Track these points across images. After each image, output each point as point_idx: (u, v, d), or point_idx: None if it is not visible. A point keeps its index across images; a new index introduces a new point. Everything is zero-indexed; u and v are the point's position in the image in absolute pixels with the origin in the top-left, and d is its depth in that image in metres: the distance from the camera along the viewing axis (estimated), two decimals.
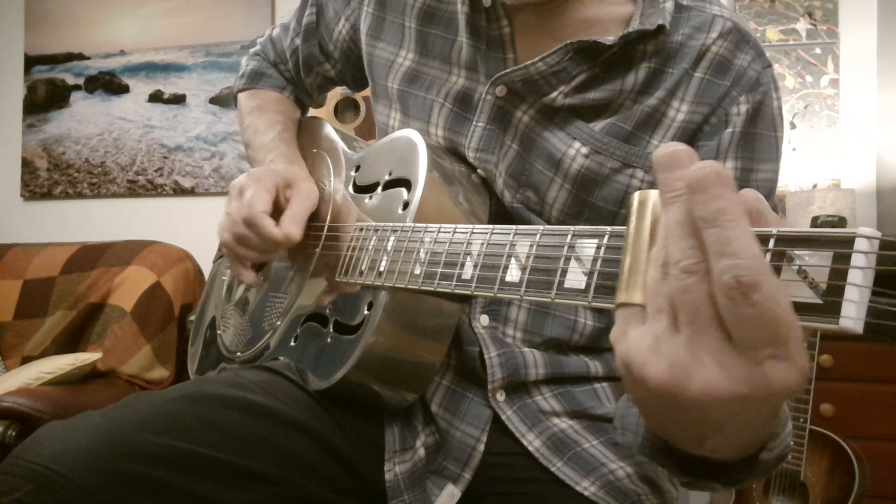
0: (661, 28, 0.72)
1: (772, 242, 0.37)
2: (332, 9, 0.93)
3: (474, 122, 0.77)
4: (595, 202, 0.76)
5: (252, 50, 1.09)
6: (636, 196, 0.41)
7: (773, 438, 0.49)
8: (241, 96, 1.06)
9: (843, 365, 1.83)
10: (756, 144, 0.73)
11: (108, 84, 2.89)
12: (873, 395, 1.83)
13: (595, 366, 0.81)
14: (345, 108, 2.55)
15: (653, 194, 0.40)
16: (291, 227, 0.76)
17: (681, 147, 0.37)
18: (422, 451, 0.76)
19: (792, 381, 0.35)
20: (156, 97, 2.84)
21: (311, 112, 1.14)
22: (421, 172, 0.73)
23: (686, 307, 0.36)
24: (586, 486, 0.73)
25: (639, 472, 0.76)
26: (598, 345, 0.82)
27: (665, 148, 0.37)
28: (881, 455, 1.79)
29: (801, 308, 0.35)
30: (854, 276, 0.34)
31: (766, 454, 0.49)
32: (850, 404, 1.84)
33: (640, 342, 0.38)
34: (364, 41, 0.88)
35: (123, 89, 2.87)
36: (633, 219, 0.41)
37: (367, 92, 0.93)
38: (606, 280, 0.45)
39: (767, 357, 0.35)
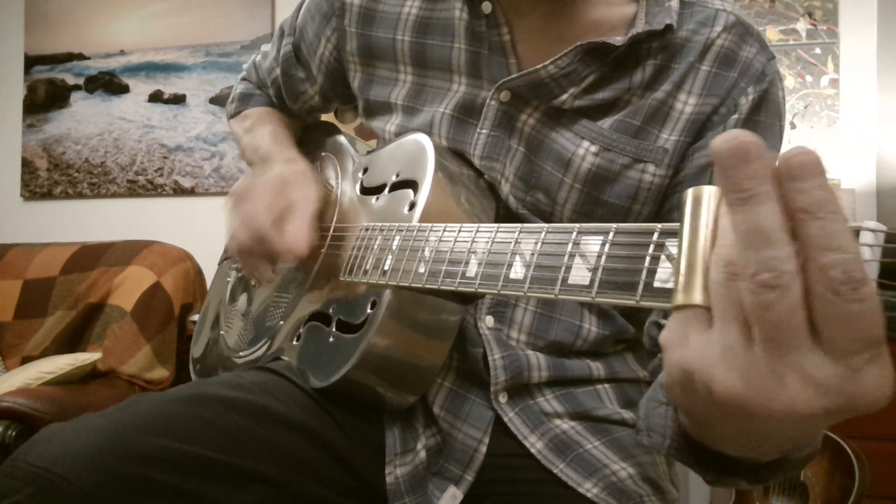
0: (668, 27, 0.73)
1: None
2: (312, 31, 0.91)
3: (478, 130, 0.77)
4: (608, 199, 0.76)
5: (241, 75, 1.09)
6: (689, 193, 0.39)
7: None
8: (233, 122, 1.05)
9: None
10: (760, 132, 0.73)
11: (108, 84, 2.89)
12: None
13: (597, 367, 0.81)
14: (345, 109, 2.55)
15: (707, 190, 0.38)
16: (297, 235, 0.77)
17: (748, 138, 0.33)
18: (423, 454, 0.75)
19: (888, 385, 0.33)
20: (156, 97, 2.84)
21: None
22: (427, 174, 0.73)
23: (765, 323, 0.33)
24: (588, 488, 0.73)
25: (641, 472, 0.76)
26: (600, 350, 0.81)
27: (728, 140, 0.33)
28: (881, 455, 1.79)
29: None
30: None
31: (797, 452, 0.47)
32: None
33: (707, 350, 0.35)
34: (354, 61, 0.87)
35: (123, 89, 2.87)
36: (687, 217, 0.38)
37: None
38: (611, 276, 0.44)
39: (867, 361, 0.32)
